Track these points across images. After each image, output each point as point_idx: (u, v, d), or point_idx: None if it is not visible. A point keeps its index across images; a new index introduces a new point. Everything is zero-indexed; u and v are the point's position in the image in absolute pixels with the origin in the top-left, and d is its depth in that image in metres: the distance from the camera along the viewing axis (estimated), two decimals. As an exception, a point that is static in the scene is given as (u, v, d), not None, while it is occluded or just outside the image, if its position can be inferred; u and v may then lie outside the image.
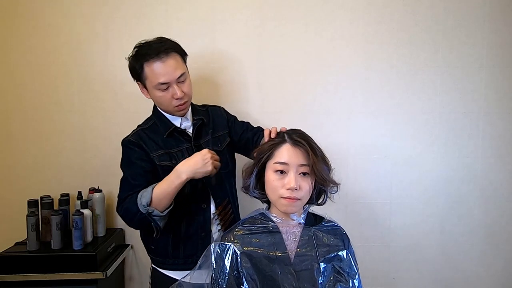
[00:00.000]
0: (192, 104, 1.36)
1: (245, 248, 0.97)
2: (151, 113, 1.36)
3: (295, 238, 0.99)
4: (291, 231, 1.00)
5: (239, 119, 1.49)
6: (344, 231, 1.06)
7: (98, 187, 1.67)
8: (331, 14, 1.73)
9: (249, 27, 1.72)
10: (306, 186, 0.95)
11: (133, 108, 1.74)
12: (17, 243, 1.58)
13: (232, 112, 1.51)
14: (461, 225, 1.80)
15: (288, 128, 1.07)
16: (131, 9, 1.70)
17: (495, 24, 1.74)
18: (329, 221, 1.06)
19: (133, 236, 1.78)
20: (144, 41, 1.21)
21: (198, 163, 1.11)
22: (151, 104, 1.73)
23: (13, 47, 1.70)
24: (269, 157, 0.98)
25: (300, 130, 1.03)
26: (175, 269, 1.27)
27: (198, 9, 1.71)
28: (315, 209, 1.09)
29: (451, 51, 1.75)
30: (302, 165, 0.94)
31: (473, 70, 1.76)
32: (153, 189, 1.12)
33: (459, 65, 1.75)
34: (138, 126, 1.33)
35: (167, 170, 1.16)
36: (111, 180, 1.74)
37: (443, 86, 1.76)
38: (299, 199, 0.94)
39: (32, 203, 1.54)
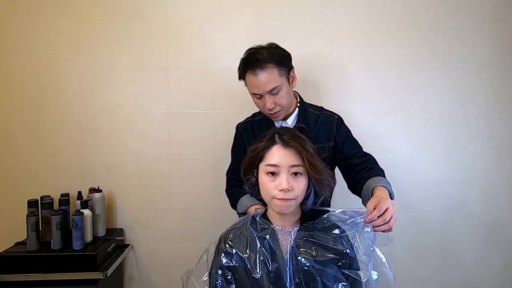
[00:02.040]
0: (305, 108, 1.35)
1: (240, 249, 0.98)
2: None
3: (290, 238, 0.98)
4: (287, 231, 1.00)
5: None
6: (343, 229, 1.05)
7: (98, 187, 1.67)
8: (331, 14, 1.73)
9: (249, 27, 1.72)
10: (299, 186, 0.94)
11: (133, 108, 1.74)
12: (17, 243, 1.58)
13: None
14: (461, 225, 1.80)
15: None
16: (131, 9, 1.70)
17: (495, 24, 1.74)
18: (327, 220, 1.06)
19: (133, 236, 1.78)
20: (254, 48, 1.25)
21: None
22: (152, 104, 1.74)
23: (13, 47, 1.70)
24: (260, 160, 0.97)
25: (291, 129, 1.01)
26: None
27: (198, 9, 1.71)
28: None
29: (451, 51, 1.75)
30: (294, 165, 0.93)
31: (473, 70, 1.76)
32: (250, 206, 1.23)
33: (459, 65, 1.75)
34: (253, 114, 1.42)
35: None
36: (111, 180, 1.75)
37: (443, 86, 1.76)
38: (293, 199, 0.93)
39: (32, 203, 1.54)
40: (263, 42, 1.71)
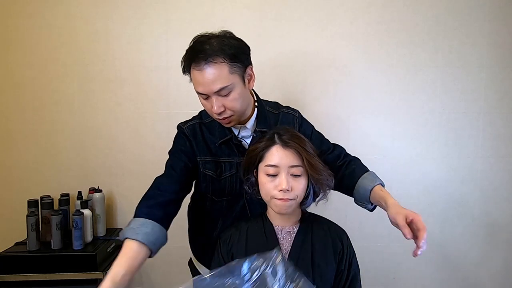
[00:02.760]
0: (263, 109, 1.15)
1: (240, 248, 0.99)
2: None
3: (290, 238, 0.99)
4: (286, 231, 1.00)
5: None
6: (342, 229, 1.05)
7: (98, 187, 1.67)
8: (331, 14, 1.73)
9: (249, 27, 1.72)
10: (298, 186, 0.94)
11: (133, 108, 1.74)
12: (17, 243, 1.58)
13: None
14: (461, 225, 1.80)
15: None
16: (131, 9, 1.70)
17: (495, 24, 1.74)
18: (326, 220, 1.06)
19: (133, 236, 1.78)
20: (203, 35, 1.02)
21: None
22: (152, 104, 1.74)
23: (13, 47, 1.70)
24: (260, 160, 0.97)
25: (291, 129, 1.01)
26: (203, 263, 1.27)
27: (198, 9, 1.71)
28: (314, 209, 1.09)
29: (451, 51, 1.75)
30: (293, 166, 0.93)
31: (473, 70, 1.76)
32: (125, 238, 1.00)
33: (459, 65, 1.75)
34: (199, 113, 1.17)
35: (209, 180, 1.10)
36: (111, 180, 1.75)
37: (443, 86, 1.76)
38: (292, 199, 0.94)
39: (32, 203, 1.54)
40: (263, 42, 1.73)
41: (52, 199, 1.60)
